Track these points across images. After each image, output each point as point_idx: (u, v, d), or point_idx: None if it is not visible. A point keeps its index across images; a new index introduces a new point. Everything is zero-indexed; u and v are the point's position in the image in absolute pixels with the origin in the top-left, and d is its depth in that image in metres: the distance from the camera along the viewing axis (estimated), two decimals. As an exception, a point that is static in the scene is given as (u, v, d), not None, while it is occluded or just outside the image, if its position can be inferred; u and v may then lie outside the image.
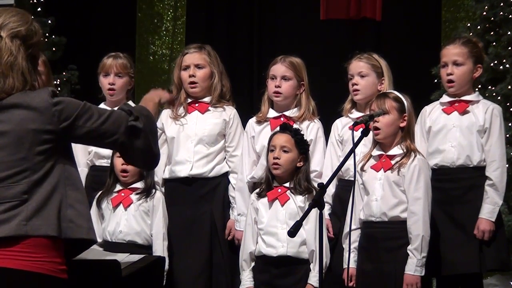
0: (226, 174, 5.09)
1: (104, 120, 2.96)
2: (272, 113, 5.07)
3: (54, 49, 7.48)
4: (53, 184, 2.85)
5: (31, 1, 7.52)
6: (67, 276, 2.85)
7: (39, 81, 3.02)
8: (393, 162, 4.54)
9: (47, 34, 7.48)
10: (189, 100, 5.15)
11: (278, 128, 4.82)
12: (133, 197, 4.92)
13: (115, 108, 3.12)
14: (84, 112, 2.92)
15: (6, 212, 2.81)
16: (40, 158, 2.85)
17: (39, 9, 7.54)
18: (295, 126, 4.88)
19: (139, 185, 4.94)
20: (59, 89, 7.26)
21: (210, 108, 5.12)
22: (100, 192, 4.94)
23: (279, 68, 5.03)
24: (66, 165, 2.91)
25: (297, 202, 4.65)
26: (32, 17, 3.03)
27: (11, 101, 2.86)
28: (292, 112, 5.03)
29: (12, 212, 2.81)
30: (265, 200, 4.72)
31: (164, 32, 8.24)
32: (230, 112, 5.12)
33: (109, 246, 4.74)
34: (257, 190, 4.79)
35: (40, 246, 2.80)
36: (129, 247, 4.69)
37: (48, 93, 2.89)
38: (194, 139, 5.06)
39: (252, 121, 5.12)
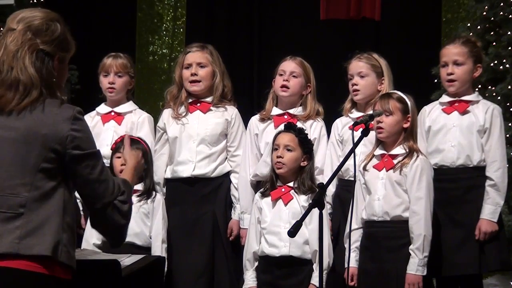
0: (228, 174, 5.09)
1: (100, 180, 2.86)
2: (275, 111, 5.07)
3: (54, 49, 7.47)
4: (54, 207, 2.79)
5: (31, 1, 7.52)
6: (71, 277, 2.82)
7: (53, 80, 2.90)
8: (395, 161, 4.55)
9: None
10: (190, 100, 5.15)
11: (282, 127, 4.82)
12: (133, 199, 4.90)
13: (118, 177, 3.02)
14: (92, 158, 2.85)
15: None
16: (42, 176, 2.79)
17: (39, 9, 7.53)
18: (299, 124, 4.88)
19: (139, 187, 4.94)
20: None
21: (212, 108, 5.12)
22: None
23: (289, 64, 5.05)
24: (66, 190, 2.84)
25: (301, 201, 4.65)
26: (58, 15, 3.01)
27: (31, 109, 2.80)
28: (296, 111, 5.04)
29: (6, 227, 2.75)
30: (268, 199, 4.73)
31: (164, 32, 8.25)
32: (232, 112, 5.12)
33: (108, 246, 4.73)
34: (261, 190, 4.80)
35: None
36: (129, 248, 4.68)
37: (71, 114, 2.83)
38: (196, 139, 5.06)
39: (255, 118, 5.12)
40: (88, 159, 2.83)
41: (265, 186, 4.79)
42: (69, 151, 2.80)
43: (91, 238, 4.76)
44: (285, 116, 5.02)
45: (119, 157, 4.91)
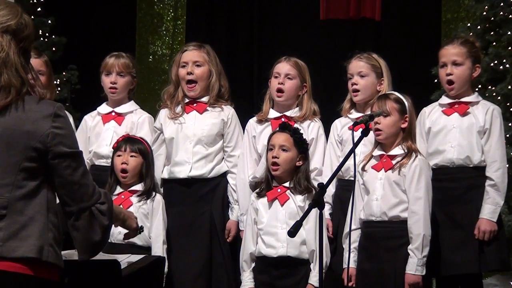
0: (225, 174, 5.09)
1: (80, 183, 2.76)
2: (273, 113, 5.06)
3: (54, 49, 7.48)
4: (38, 206, 2.72)
5: (31, 1, 7.52)
6: (58, 277, 2.77)
7: (33, 75, 2.82)
8: (394, 162, 4.55)
9: (47, 34, 7.49)
10: (187, 100, 5.15)
11: (277, 128, 4.82)
12: (133, 199, 4.92)
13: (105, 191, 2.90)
14: (75, 159, 2.76)
15: None
16: (24, 175, 2.71)
17: (39, 9, 7.54)
18: (295, 126, 4.88)
19: (139, 187, 4.95)
20: (59, 89, 7.26)
21: (208, 108, 5.11)
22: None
23: (283, 66, 5.03)
24: (50, 188, 2.76)
25: (297, 201, 4.65)
26: (20, 8, 2.89)
27: (10, 105, 2.72)
28: (293, 112, 5.03)
29: None
30: (264, 200, 4.72)
31: (164, 32, 8.24)
32: (228, 112, 5.12)
33: (108, 246, 4.72)
34: (257, 190, 4.79)
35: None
36: (128, 248, 4.69)
37: (52, 111, 2.74)
38: (193, 140, 5.06)
39: (252, 120, 5.12)
40: (70, 159, 2.75)
41: (261, 186, 4.78)
42: (51, 149, 2.72)
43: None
44: (282, 119, 5.01)
45: (120, 156, 4.93)
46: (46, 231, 2.72)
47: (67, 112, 2.97)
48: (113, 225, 2.97)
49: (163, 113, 5.16)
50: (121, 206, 4.78)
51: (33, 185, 2.73)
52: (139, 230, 3.20)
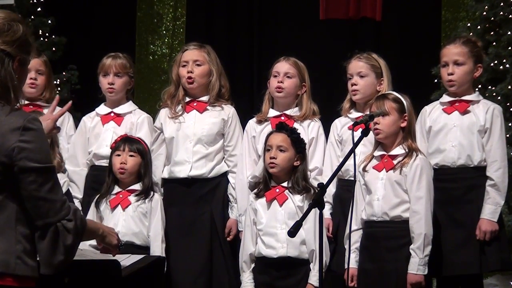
0: (225, 174, 5.09)
1: (46, 198, 2.65)
2: (272, 112, 5.07)
3: (54, 49, 7.48)
4: (4, 219, 2.64)
5: (31, 1, 7.52)
6: (34, 284, 2.71)
7: (15, 83, 2.71)
8: (395, 162, 4.55)
9: (47, 34, 7.49)
10: (187, 99, 5.15)
11: (274, 128, 4.82)
12: (132, 198, 4.92)
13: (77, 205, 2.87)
14: (41, 174, 2.65)
15: None
16: None
17: (39, 9, 7.54)
18: (295, 125, 4.88)
19: (137, 186, 4.95)
20: (59, 89, 7.26)
21: (208, 107, 5.12)
22: (98, 195, 4.94)
23: (282, 66, 5.04)
24: (18, 200, 2.66)
25: (296, 201, 4.65)
26: (20, 16, 2.84)
27: None
28: (293, 111, 5.04)
29: None
30: (263, 200, 4.72)
31: (164, 32, 8.23)
32: (228, 111, 5.12)
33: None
34: (255, 191, 4.78)
35: None
36: (127, 247, 4.69)
37: (21, 124, 2.63)
38: (193, 139, 5.06)
39: (252, 121, 5.12)
40: (36, 174, 2.64)
41: (259, 187, 4.78)
42: (16, 163, 2.62)
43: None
44: (282, 118, 5.01)
45: (119, 155, 4.93)
46: (14, 243, 2.65)
47: (70, 116, 2.89)
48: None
49: (163, 112, 5.16)
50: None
51: (1, 198, 2.66)
52: (120, 247, 3.09)
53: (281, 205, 4.67)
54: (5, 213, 2.67)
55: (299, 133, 4.76)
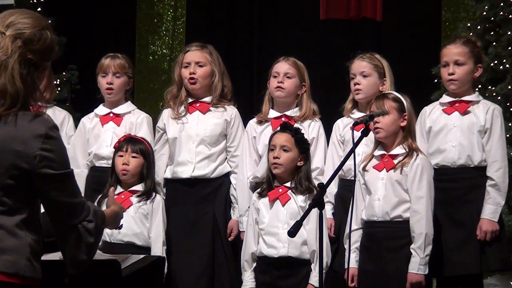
0: (228, 175, 5.09)
1: (66, 202, 2.72)
2: (272, 113, 5.07)
3: (54, 49, 7.46)
4: (15, 224, 2.68)
5: (31, 1, 7.52)
6: (38, 283, 2.75)
7: (37, 96, 2.76)
8: (395, 161, 4.55)
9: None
10: (190, 100, 5.15)
11: (278, 128, 4.82)
12: (133, 199, 4.92)
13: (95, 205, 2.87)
14: (62, 180, 2.71)
15: None
16: (5, 192, 2.68)
17: (39, 9, 7.53)
18: (296, 125, 4.88)
19: (139, 187, 4.95)
20: (59, 89, 7.26)
21: (211, 108, 5.12)
22: (100, 195, 4.94)
23: (282, 66, 5.04)
24: (30, 205, 2.73)
25: (298, 202, 4.65)
26: (47, 21, 2.86)
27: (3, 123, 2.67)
28: (293, 112, 5.04)
29: None
30: (266, 200, 4.72)
31: (164, 32, 8.24)
32: (231, 112, 5.12)
33: (108, 246, 4.74)
34: (258, 190, 4.79)
35: None
36: (128, 248, 4.70)
37: (44, 132, 2.69)
38: (196, 140, 5.06)
39: (252, 121, 5.12)
40: (57, 181, 2.70)
41: (262, 186, 4.78)
42: (37, 171, 2.67)
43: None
44: (282, 119, 5.01)
45: (122, 156, 4.93)
46: (24, 246, 2.70)
47: (70, 116, 2.91)
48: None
49: (166, 113, 5.16)
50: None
51: (13, 202, 2.69)
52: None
53: (283, 205, 4.67)
54: (17, 216, 2.71)
55: (303, 133, 4.76)
